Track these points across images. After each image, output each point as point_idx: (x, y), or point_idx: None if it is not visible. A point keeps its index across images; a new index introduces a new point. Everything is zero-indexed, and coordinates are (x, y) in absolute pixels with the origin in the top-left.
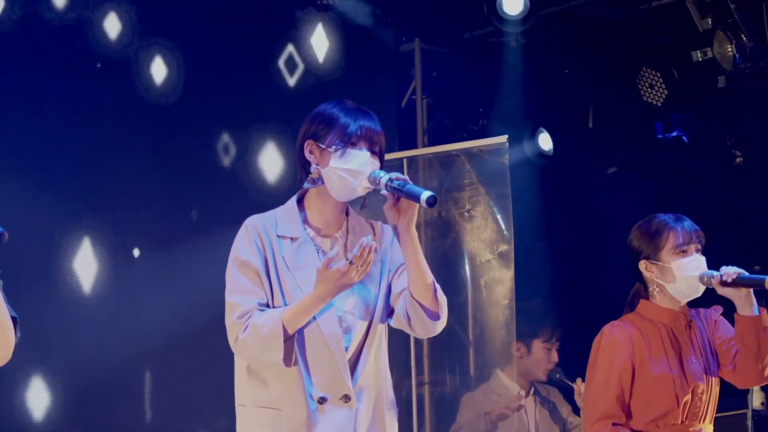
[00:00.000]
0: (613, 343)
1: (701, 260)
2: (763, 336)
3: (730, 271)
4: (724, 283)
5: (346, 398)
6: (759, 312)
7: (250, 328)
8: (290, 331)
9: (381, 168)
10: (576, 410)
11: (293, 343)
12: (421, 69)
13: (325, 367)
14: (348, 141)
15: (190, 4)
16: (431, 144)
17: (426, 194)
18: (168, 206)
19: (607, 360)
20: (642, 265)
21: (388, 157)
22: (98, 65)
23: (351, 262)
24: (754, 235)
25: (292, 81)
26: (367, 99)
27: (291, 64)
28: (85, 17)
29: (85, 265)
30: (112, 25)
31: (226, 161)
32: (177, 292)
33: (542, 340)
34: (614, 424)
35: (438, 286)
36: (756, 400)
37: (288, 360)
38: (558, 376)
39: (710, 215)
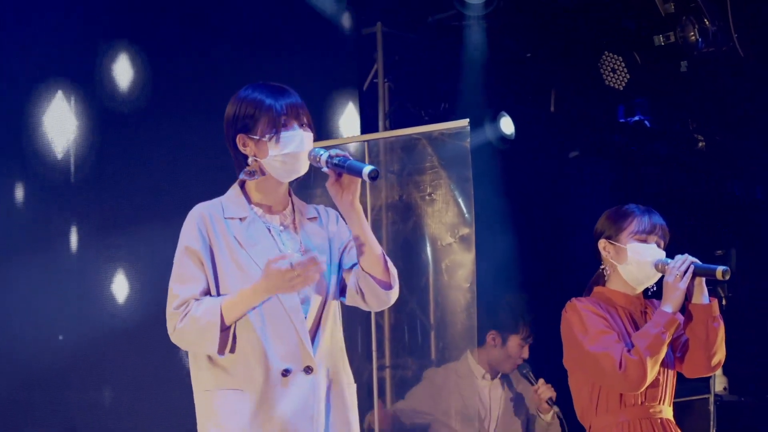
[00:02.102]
0: (579, 307)
1: (660, 253)
2: (712, 325)
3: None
4: None
5: (309, 369)
6: (709, 301)
7: (187, 318)
8: (227, 322)
9: (314, 138)
10: None
11: (229, 334)
12: (383, 53)
13: (288, 339)
14: (278, 125)
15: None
16: (393, 128)
17: (368, 168)
18: None
19: (579, 316)
20: (601, 243)
21: (350, 140)
22: None
23: (291, 265)
24: (716, 219)
25: None
26: (328, 83)
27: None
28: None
29: None
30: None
31: None
32: None
33: (520, 337)
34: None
35: (388, 258)
36: (718, 384)
37: (222, 350)
38: (525, 371)
39: (672, 199)
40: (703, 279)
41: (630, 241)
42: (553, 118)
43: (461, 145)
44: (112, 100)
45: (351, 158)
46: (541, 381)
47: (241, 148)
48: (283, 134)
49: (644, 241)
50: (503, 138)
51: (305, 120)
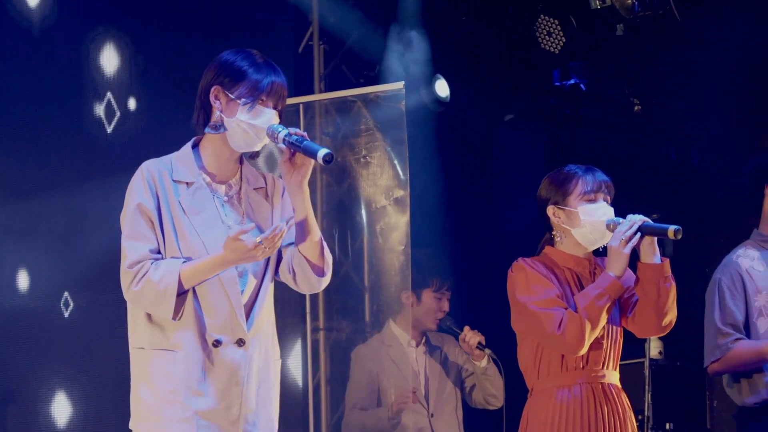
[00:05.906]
0: (525, 268)
1: (609, 209)
2: (664, 285)
3: (636, 218)
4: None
5: (241, 342)
6: (661, 261)
7: (144, 281)
8: (185, 287)
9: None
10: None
11: (185, 298)
12: (318, 14)
13: (222, 310)
14: (258, 97)
15: None
16: (328, 90)
17: (323, 151)
18: None
19: (525, 276)
20: (550, 210)
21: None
22: None
23: (260, 242)
24: (652, 184)
25: None
26: (263, 44)
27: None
28: None
29: None
30: None
31: None
32: None
33: (432, 290)
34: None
35: (325, 244)
36: (654, 349)
37: (176, 315)
38: (448, 324)
39: (607, 163)
40: (655, 238)
41: (579, 203)
42: (488, 81)
43: (396, 108)
44: None
45: (308, 139)
46: (467, 328)
47: (212, 99)
48: (258, 107)
49: (593, 200)
50: (438, 101)
51: (281, 105)
